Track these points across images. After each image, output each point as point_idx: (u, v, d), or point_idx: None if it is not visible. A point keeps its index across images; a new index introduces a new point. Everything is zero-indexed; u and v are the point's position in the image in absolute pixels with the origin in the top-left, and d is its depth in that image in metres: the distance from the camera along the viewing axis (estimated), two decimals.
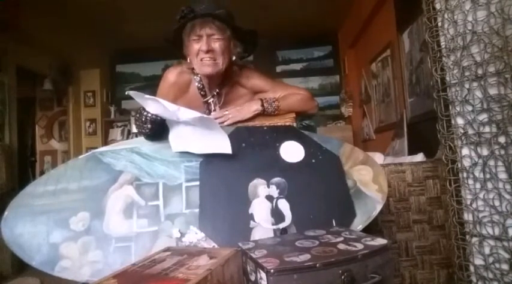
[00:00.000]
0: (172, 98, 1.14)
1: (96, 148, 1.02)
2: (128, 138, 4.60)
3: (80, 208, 0.89)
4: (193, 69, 1.15)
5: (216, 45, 1.06)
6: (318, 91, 4.81)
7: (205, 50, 1.05)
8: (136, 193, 0.92)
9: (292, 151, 1.02)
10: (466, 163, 1.03)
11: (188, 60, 1.12)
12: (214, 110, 1.19)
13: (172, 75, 1.17)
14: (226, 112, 1.10)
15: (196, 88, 1.18)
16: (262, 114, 1.11)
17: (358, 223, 0.95)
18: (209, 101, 1.19)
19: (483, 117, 0.99)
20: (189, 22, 1.04)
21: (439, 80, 1.08)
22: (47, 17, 3.56)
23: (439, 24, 1.07)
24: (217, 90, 1.18)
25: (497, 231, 0.97)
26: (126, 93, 0.91)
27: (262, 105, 1.10)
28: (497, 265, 0.96)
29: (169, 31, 1.09)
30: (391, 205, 1.54)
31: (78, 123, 4.59)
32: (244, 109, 1.11)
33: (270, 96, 1.14)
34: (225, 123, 1.08)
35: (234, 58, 1.13)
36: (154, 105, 0.92)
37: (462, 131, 1.03)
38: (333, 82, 4.86)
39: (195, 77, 1.17)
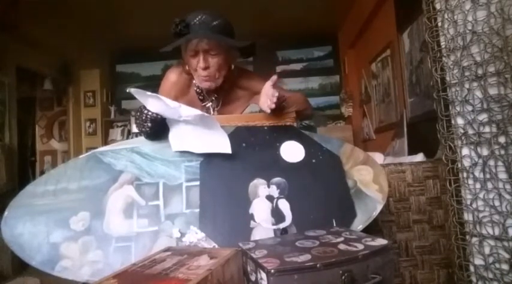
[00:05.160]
0: (173, 98, 1.14)
1: (96, 148, 1.02)
2: (127, 138, 4.60)
3: (80, 208, 0.89)
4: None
5: (214, 61, 1.05)
6: (318, 91, 4.82)
7: (203, 67, 1.05)
8: (137, 193, 0.92)
9: (292, 151, 1.02)
10: (466, 163, 1.03)
11: (187, 67, 1.13)
12: (213, 114, 1.19)
13: (174, 75, 1.17)
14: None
15: (195, 93, 1.18)
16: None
17: (359, 223, 0.95)
18: (207, 106, 1.19)
19: (483, 117, 0.99)
20: (184, 37, 1.02)
21: (439, 80, 1.08)
22: (47, 17, 3.56)
23: (439, 24, 1.07)
24: (216, 95, 1.18)
25: (497, 231, 0.97)
26: (127, 90, 0.91)
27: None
28: (497, 265, 0.96)
29: (169, 38, 1.07)
30: (391, 205, 1.54)
31: (78, 123, 4.59)
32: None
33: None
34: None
35: (232, 67, 1.13)
36: (155, 103, 0.92)
37: (462, 131, 1.03)
38: (333, 82, 4.86)
39: (194, 82, 1.17)
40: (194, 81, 1.16)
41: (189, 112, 0.90)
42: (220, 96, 1.18)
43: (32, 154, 4.93)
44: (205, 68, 1.05)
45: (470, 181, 1.02)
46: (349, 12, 4.01)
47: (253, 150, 1.00)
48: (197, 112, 0.90)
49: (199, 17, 1.02)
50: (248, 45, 1.12)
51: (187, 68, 1.13)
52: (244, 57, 1.20)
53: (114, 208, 0.90)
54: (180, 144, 0.97)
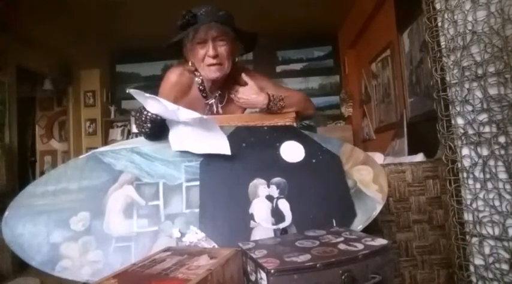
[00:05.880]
0: (173, 99, 1.14)
1: (96, 148, 1.02)
2: (127, 138, 4.60)
3: (80, 208, 0.89)
4: (194, 71, 1.15)
5: (222, 49, 1.07)
6: (318, 91, 4.81)
7: (213, 55, 1.05)
8: (137, 193, 0.92)
9: (292, 151, 1.02)
10: (466, 163, 1.03)
11: (190, 63, 1.13)
12: (217, 112, 1.19)
13: (174, 75, 1.17)
14: (240, 96, 1.13)
15: (197, 90, 1.18)
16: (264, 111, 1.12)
17: (358, 223, 0.95)
18: (210, 102, 1.19)
19: (483, 117, 0.99)
20: (192, 27, 1.04)
21: (439, 80, 1.08)
22: (47, 17, 3.56)
23: (439, 24, 1.07)
24: (219, 92, 1.18)
25: (497, 231, 0.97)
26: (127, 91, 0.91)
27: (268, 104, 1.09)
28: (497, 265, 0.96)
29: (169, 38, 1.08)
30: (391, 205, 1.54)
31: (78, 123, 4.59)
32: (252, 102, 1.12)
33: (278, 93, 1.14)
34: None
35: (236, 59, 1.14)
36: (154, 104, 0.92)
37: (462, 131, 1.03)
38: (333, 82, 4.86)
39: (196, 79, 1.17)
40: (196, 79, 1.17)
41: (187, 115, 0.90)
42: (224, 93, 1.19)
43: (32, 154, 4.94)
44: (215, 56, 1.06)
45: (470, 181, 1.02)
46: (349, 12, 4.01)
47: (253, 150, 1.00)
48: (195, 115, 0.90)
49: (206, 8, 1.05)
50: (252, 35, 1.15)
51: (190, 64, 1.13)
52: (246, 52, 1.21)
53: (114, 208, 0.90)
54: (180, 144, 0.97)
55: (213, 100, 1.19)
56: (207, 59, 1.07)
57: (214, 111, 1.19)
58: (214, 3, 1.06)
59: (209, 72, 1.09)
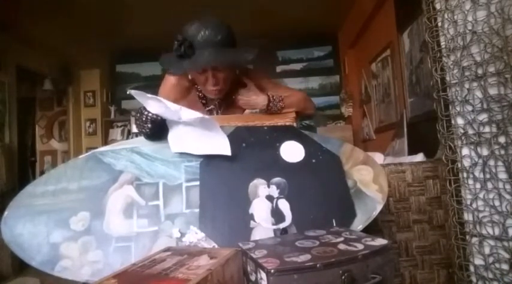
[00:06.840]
0: (172, 100, 1.13)
1: (96, 148, 1.02)
2: (127, 138, 4.60)
3: (80, 208, 0.89)
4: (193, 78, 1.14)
5: (222, 75, 1.06)
6: (318, 91, 4.81)
7: (213, 83, 1.06)
8: (137, 193, 0.92)
9: (292, 151, 1.02)
10: (466, 163, 1.03)
11: (190, 76, 1.13)
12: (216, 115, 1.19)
13: (173, 78, 1.17)
14: (240, 97, 1.13)
15: (196, 96, 1.18)
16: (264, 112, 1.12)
17: (358, 223, 0.95)
18: (210, 109, 1.20)
19: (483, 117, 0.99)
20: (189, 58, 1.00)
21: (439, 80, 1.08)
22: (47, 17, 3.56)
23: (439, 24, 1.07)
24: (219, 100, 1.18)
25: (497, 231, 0.97)
26: (127, 92, 0.91)
27: (268, 105, 1.10)
28: (497, 265, 0.96)
29: (169, 39, 1.04)
30: (391, 205, 1.54)
31: (78, 123, 4.60)
32: (252, 103, 1.12)
33: (278, 93, 1.13)
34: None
35: (237, 72, 1.15)
36: (155, 105, 0.92)
37: (462, 131, 1.03)
38: (333, 82, 4.86)
39: (196, 86, 1.17)
40: (196, 86, 1.17)
41: (189, 115, 0.90)
42: (224, 100, 1.18)
43: (32, 154, 4.94)
44: (216, 84, 1.07)
45: (470, 181, 1.02)
46: (349, 12, 4.01)
47: (253, 150, 1.00)
48: (197, 114, 0.90)
49: (202, 32, 0.98)
50: (254, 54, 1.09)
51: (190, 77, 1.13)
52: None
53: (114, 208, 0.90)
54: (179, 145, 0.97)
55: (213, 106, 1.19)
56: (208, 85, 1.07)
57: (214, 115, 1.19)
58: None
59: (210, 94, 1.11)
